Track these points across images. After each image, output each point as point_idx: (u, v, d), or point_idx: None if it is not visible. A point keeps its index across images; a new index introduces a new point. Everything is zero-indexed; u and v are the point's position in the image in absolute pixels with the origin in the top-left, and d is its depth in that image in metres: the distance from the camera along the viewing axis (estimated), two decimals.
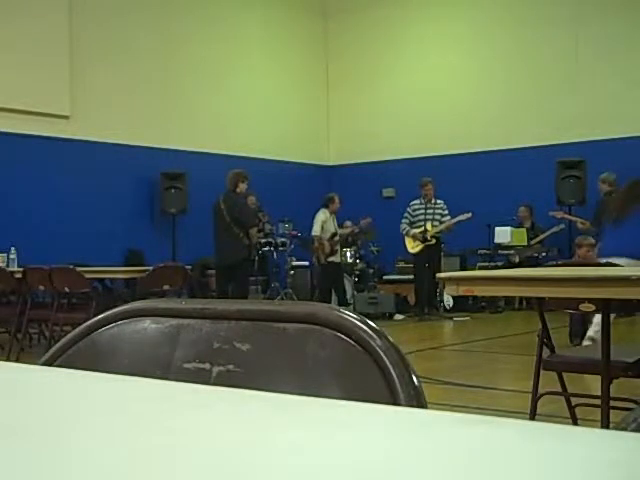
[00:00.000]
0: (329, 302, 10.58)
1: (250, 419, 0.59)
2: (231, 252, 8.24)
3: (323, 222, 11.03)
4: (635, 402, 3.29)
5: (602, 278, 2.75)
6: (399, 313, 10.84)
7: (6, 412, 0.63)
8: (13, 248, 8.57)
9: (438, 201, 10.90)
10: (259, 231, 11.85)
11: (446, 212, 10.84)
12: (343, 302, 10.78)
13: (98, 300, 6.73)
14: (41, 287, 7.16)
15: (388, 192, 13.90)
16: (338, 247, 11.10)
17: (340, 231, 11.26)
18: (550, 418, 3.66)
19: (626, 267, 3.46)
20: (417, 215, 10.84)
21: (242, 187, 8.41)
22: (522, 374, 5.08)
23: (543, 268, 4.11)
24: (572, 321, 6.57)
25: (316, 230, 11.02)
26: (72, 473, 0.46)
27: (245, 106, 13.24)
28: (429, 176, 11.01)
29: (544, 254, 11.28)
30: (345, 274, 11.40)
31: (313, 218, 11.11)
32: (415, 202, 10.96)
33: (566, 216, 11.32)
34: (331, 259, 11.00)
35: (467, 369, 6.50)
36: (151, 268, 7.16)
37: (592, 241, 7.12)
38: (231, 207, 8.36)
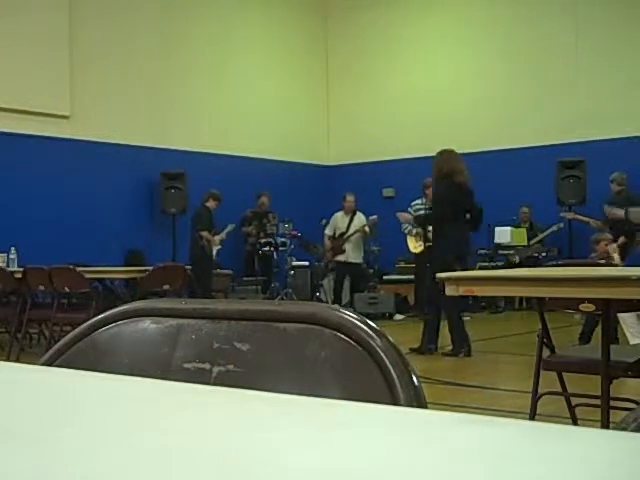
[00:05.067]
0: (341, 302, 10.72)
1: (250, 419, 0.59)
2: (191, 251, 9.98)
3: (334, 221, 11.27)
4: (635, 402, 3.29)
5: (602, 278, 2.75)
6: (399, 313, 10.83)
7: (6, 412, 0.63)
8: (13, 248, 8.57)
9: None
10: (261, 231, 11.88)
11: None
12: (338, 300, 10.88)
13: (98, 300, 6.73)
14: (41, 287, 7.15)
15: (388, 192, 13.89)
16: (346, 246, 11.16)
17: (353, 230, 11.34)
18: (550, 418, 3.66)
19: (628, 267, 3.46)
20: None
21: (212, 204, 10.24)
22: (522, 374, 5.09)
23: (543, 268, 4.11)
24: (587, 323, 6.51)
25: (326, 230, 11.27)
26: (72, 473, 0.46)
27: (245, 106, 13.23)
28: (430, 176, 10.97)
29: (544, 254, 11.25)
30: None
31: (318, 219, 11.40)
32: (417, 202, 10.87)
33: (578, 217, 11.00)
34: (338, 258, 11.11)
35: (467, 369, 6.50)
36: (151, 268, 7.16)
37: (609, 236, 7.28)
38: (194, 216, 10.31)
